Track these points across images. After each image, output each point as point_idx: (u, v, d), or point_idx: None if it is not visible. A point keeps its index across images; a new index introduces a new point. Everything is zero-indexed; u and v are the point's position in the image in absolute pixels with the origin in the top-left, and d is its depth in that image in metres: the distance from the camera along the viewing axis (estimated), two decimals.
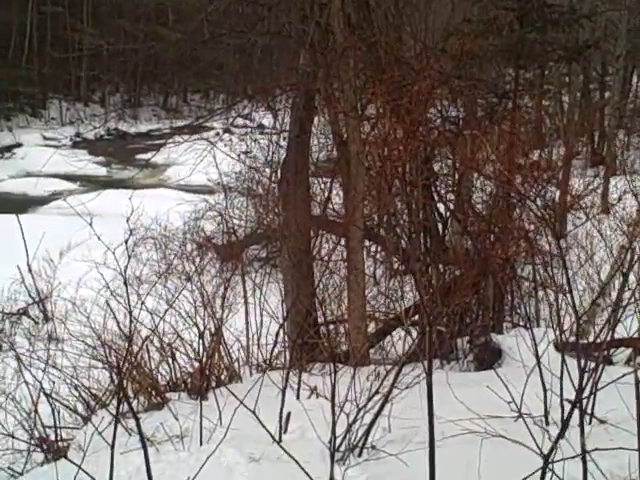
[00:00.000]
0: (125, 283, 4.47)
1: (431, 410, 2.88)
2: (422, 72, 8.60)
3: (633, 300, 7.12)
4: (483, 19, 10.56)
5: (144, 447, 3.48)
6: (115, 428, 3.73)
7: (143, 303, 8.18)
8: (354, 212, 8.51)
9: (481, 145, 8.49)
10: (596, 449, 3.99)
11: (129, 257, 4.82)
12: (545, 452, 4.25)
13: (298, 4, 8.88)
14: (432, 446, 2.88)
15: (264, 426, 5.13)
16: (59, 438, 7.32)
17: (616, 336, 6.76)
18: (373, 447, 5.17)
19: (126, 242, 4.83)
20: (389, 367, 6.55)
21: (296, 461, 4.09)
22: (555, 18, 10.39)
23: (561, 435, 4.15)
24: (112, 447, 3.41)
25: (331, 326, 10.65)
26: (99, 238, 5.75)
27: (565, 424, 4.40)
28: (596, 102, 29.13)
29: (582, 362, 4.58)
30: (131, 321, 4.87)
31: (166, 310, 7.70)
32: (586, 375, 4.78)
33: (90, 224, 4.84)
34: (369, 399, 5.13)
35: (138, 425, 3.44)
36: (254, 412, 4.79)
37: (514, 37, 9.71)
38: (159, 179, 29.48)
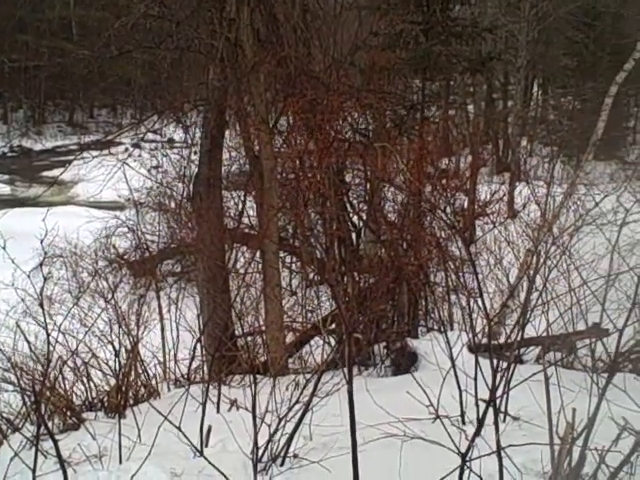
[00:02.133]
0: (41, 305, 4.39)
1: (353, 416, 2.94)
2: (332, 86, 8.72)
3: (540, 301, 7.42)
4: (390, 32, 10.79)
5: (63, 469, 3.41)
6: (36, 452, 3.64)
7: (56, 323, 8.03)
8: (268, 225, 8.56)
9: (391, 156, 8.66)
10: (510, 445, 4.13)
11: (45, 278, 4.74)
12: (463, 451, 4.39)
13: (207, 19, 8.89)
14: (355, 451, 2.93)
15: (187, 437, 5.11)
16: None
17: (525, 336, 7.03)
18: (295, 456, 5.21)
19: (41, 264, 4.76)
20: (308, 376, 6.62)
21: (221, 472, 4.09)
22: (458, 31, 10.72)
23: (477, 433, 4.28)
24: (34, 471, 3.33)
25: (249, 338, 10.65)
26: (13, 261, 5.64)
27: (481, 423, 4.54)
28: (500, 111, 30.09)
29: (494, 362, 4.73)
30: (48, 342, 4.75)
31: (85, 331, 7.56)
32: (499, 375, 4.96)
33: (4, 247, 4.75)
34: (289, 409, 5.17)
35: (56, 447, 3.38)
36: (178, 427, 4.74)
37: (420, 50, 9.97)
38: (67, 196, 28.76)
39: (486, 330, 7.91)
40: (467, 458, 3.94)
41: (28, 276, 4.86)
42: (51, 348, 7.92)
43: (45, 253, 5.19)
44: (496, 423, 4.32)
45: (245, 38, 8.40)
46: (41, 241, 5.06)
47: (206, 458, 4.54)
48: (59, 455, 3.40)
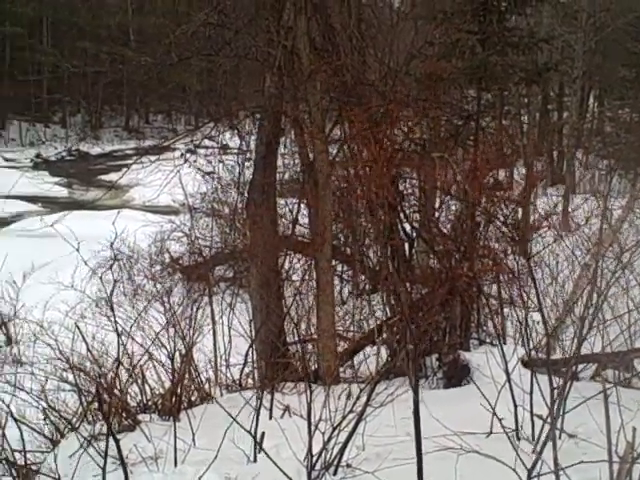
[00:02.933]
0: (112, 307, 4.47)
1: (418, 426, 2.93)
2: (388, 95, 8.73)
3: (597, 317, 7.30)
4: (445, 42, 10.76)
5: (124, 468, 3.47)
6: (106, 450, 3.69)
7: (117, 323, 8.19)
8: (323, 233, 8.59)
9: (447, 166, 8.62)
10: (571, 465, 4.07)
11: (114, 281, 4.83)
12: (517, 467, 4.35)
13: (264, 28, 8.98)
14: (420, 462, 2.92)
15: (239, 446, 5.15)
16: (28, 462, 7.21)
17: (582, 352, 6.92)
18: (348, 465, 5.21)
19: (111, 267, 4.85)
20: (360, 385, 6.62)
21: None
22: (515, 41, 10.63)
23: (536, 450, 4.23)
24: (104, 470, 3.38)
25: (299, 346, 10.69)
26: (86, 263, 5.77)
27: (539, 439, 4.49)
28: (555, 122, 29.71)
29: (553, 379, 4.68)
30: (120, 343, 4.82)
31: (140, 333, 7.67)
32: (555, 391, 4.90)
33: (77, 249, 4.86)
34: (344, 417, 5.17)
35: (118, 447, 3.43)
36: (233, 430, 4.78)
37: (476, 60, 9.91)
38: (122, 200, 29.29)
39: (540, 344, 7.84)
40: (532, 475, 3.88)
41: (100, 278, 4.93)
42: (108, 349, 8.16)
43: (115, 257, 5.27)
44: (554, 440, 4.26)
45: (302, 46, 8.46)
46: (111, 244, 5.15)
47: (268, 457, 4.53)
48: (120, 455, 3.46)
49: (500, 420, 5.22)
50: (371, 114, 8.66)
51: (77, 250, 5.14)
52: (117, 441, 3.73)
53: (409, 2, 15.20)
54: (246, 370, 9.62)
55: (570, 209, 19.05)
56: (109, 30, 45.70)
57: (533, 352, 7.88)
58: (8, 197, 28.25)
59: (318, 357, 9.28)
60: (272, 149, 9.47)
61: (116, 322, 8.28)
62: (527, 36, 11.02)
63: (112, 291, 4.88)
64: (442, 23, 11.93)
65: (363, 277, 14.55)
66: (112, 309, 4.85)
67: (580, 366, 8.33)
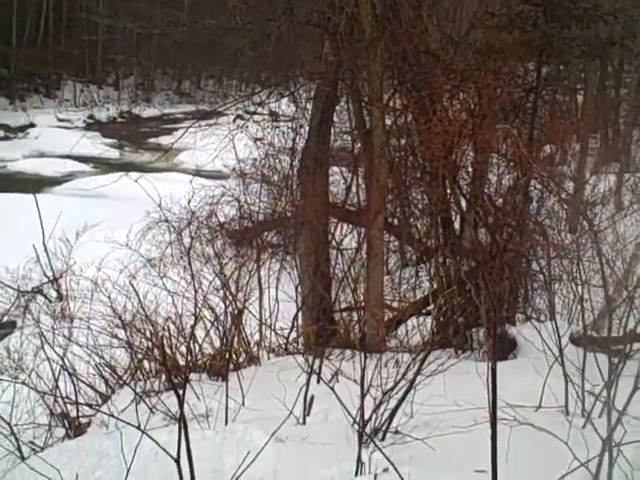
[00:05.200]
0: (190, 264, 4.47)
1: (494, 394, 2.93)
2: (448, 64, 8.63)
3: None
4: (508, 13, 10.54)
5: (184, 422, 3.55)
6: (181, 406, 3.76)
7: (165, 285, 8.32)
8: (378, 202, 8.58)
9: (507, 137, 8.52)
10: (626, 443, 4.05)
11: (169, 243, 4.87)
12: (568, 441, 4.35)
13: None
14: (494, 430, 2.93)
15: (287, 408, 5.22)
16: (80, 415, 7.41)
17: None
18: (397, 432, 5.26)
19: (171, 229, 4.87)
20: (406, 355, 6.64)
21: None
22: (580, 14, 10.36)
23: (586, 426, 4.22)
24: (181, 421, 3.41)
25: (345, 313, 10.75)
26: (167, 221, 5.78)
27: (589, 415, 4.47)
28: (612, 99, 29.03)
29: (610, 356, 4.65)
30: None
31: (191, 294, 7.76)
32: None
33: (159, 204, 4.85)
34: (396, 384, 5.20)
35: (179, 400, 3.51)
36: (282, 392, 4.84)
37: (538, 32, 9.69)
38: (172, 163, 29.52)
39: (595, 322, 7.76)
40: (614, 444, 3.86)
41: (179, 235, 4.97)
42: (158, 309, 8.31)
43: (166, 219, 5.32)
44: (609, 416, 4.24)
45: (364, 13, 8.39)
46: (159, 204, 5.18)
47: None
48: (182, 409, 3.54)
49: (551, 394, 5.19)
50: (429, 82, 8.58)
51: (159, 206, 5.14)
52: (179, 396, 3.80)
53: None
54: (293, 335, 9.73)
55: (624, 188, 18.69)
56: None
57: (581, 330, 7.81)
58: (61, 156, 28.78)
59: (365, 325, 9.32)
60: (328, 117, 9.47)
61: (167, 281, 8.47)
62: (592, 9, 10.71)
63: (189, 250, 4.90)
64: None
65: (410, 248, 14.52)
66: (191, 266, 4.87)
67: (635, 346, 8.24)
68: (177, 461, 3.16)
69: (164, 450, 3.31)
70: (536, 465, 4.29)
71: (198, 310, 8.05)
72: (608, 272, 10.16)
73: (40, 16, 45.59)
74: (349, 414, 4.83)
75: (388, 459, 3.68)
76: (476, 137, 8.38)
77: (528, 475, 4.05)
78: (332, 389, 4.88)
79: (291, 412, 5.24)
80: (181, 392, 6.62)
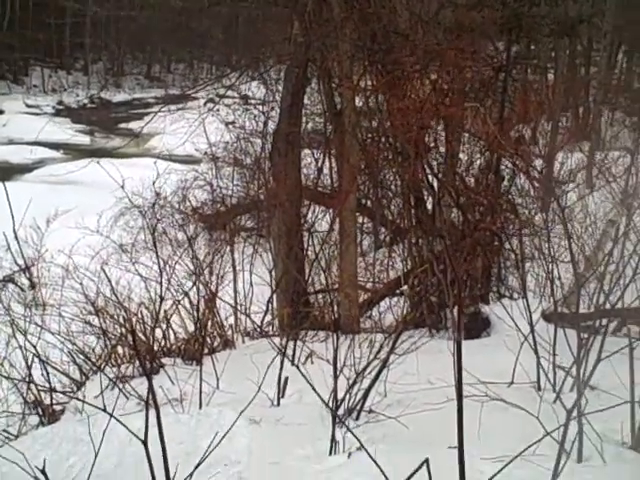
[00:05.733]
0: (155, 248, 4.43)
1: (460, 372, 2.95)
2: (417, 44, 8.61)
3: (617, 273, 7.28)
4: None
5: (156, 406, 3.53)
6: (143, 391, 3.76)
7: (137, 270, 8.27)
8: (349, 183, 8.57)
9: (476, 116, 8.54)
10: (592, 412, 4.11)
11: (139, 228, 4.83)
12: (539, 416, 4.40)
13: None
14: (460, 405, 2.95)
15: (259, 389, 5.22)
16: (54, 402, 7.37)
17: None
18: (371, 411, 5.29)
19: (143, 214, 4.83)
20: (379, 335, 6.67)
21: None
22: None
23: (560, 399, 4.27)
24: (148, 402, 3.38)
25: (319, 295, 10.77)
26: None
27: (560, 390, 4.53)
28: (582, 77, 29.21)
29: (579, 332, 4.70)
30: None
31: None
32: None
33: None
34: (368, 364, 5.23)
35: (150, 385, 3.49)
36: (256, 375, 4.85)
37: (507, 10, 9.70)
38: (143, 148, 29.26)
39: (564, 299, 7.84)
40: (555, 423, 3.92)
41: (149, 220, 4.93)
42: (131, 295, 8.25)
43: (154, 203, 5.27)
44: (579, 389, 4.30)
45: None
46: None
47: None
48: (153, 393, 3.52)
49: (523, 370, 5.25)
50: (400, 63, 8.57)
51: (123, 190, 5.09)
52: (150, 380, 3.79)
53: None
54: (267, 318, 9.72)
55: (594, 166, 18.86)
56: None
57: (553, 307, 7.90)
58: (30, 143, 28.41)
59: (339, 306, 9.34)
60: (298, 98, 9.42)
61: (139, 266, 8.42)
62: None
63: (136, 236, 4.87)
64: None
65: (383, 229, 14.56)
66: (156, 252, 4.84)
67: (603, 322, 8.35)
68: (144, 443, 3.14)
69: (132, 433, 3.30)
70: (508, 440, 4.33)
71: (171, 295, 8.04)
72: (578, 249, 10.31)
73: (5, 1, 44.82)
74: (319, 396, 4.84)
75: (358, 440, 3.71)
76: (446, 116, 8.38)
77: (499, 450, 4.08)
78: (300, 370, 4.89)
79: (261, 391, 5.24)
80: (152, 376, 6.65)
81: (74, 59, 51.38)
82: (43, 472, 3.10)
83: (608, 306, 7.38)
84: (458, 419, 2.79)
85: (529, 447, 3.40)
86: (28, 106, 40.89)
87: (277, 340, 6.94)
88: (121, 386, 6.61)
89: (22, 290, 14.60)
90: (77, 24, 45.91)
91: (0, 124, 35.88)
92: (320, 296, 10.73)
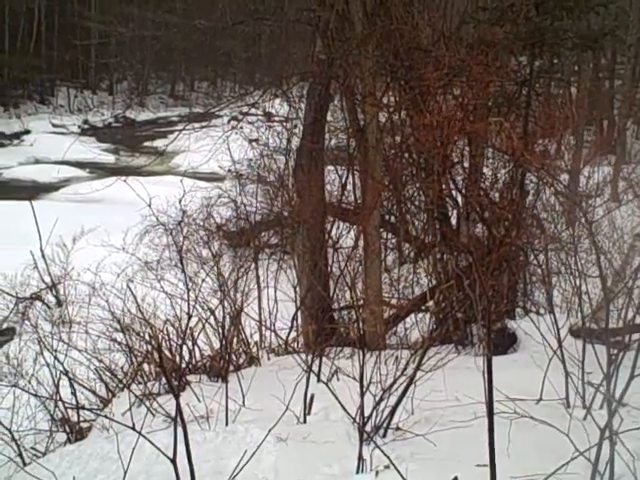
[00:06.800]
0: (181, 264, 4.47)
1: (490, 387, 2.93)
2: (440, 60, 8.61)
3: None
4: (499, 7, 10.53)
5: (183, 424, 3.55)
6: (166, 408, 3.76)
7: (163, 288, 8.30)
8: (373, 199, 8.57)
9: (500, 131, 8.51)
10: (625, 431, 4.04)
11: (166, 245, 4.86)
12: (569, 433, 4.34)
13: None
14: (491, 423, 2.93)
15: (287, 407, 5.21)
16: (81, 419, 7.41)
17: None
18: (398, 428, 5.25)
19: (170, 232, 4.85)
20: (405, 351, 6.63)
21: None
22: (570, 6, 10.35)
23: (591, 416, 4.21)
24: (176, 420, 3.39)
25: (344, 312, 10.74)
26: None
27: (590, 406, 4.47)
28: (606, 91, 29.04)
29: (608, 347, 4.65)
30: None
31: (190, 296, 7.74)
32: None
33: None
34: (395, 380, 5.20)
35: (177, 403, 3.50)
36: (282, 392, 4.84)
37: (530, 25, 9.68)
38: (168, 166, 29.50)
39: (591, 314, 7.75)
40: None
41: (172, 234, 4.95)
42: (156, 312, 8.29)
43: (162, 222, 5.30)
44: (609, 407, 4.24)
45: (354, 10, 8.39)
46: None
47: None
48: (180, 411, 3.53)
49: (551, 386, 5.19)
50: (423, 79, 8.57)
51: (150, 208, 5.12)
52: (177, 397, 3.80)
53: None
54: (292, 335, 9.71)
55: (620, 180, 18.71)
56: None
57: (580, 322, 7.82)
58: (57, 162, 28.75)
59: (365, 323, 9.31)
60: (321, 115, 9.45)
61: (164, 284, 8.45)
62: (584, 0, 10.70)
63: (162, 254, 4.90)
64: None
65: (408, 245, 14.51)
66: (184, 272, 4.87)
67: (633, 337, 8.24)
68: (173, 461, 3.15)
69: (160, 451, 3.31)
70: (537, 458, 4.28)
71: (197, 312, 8.06)
72: (606, 263, 10.20)
73: (32, 23, 45.51)
74: (347, 413, 4.81)
75: (388, 457, 3.68)
76: (470, 131, 8.36)
77: (530, 468, 4.04)
78: (328, 386, 4.87)
79: (287, 409, 5.22)
80: (182, 394, 6.67)
81: (99, 79, 51.98)
82: None
83: (638, 321, 7.32)
84: (489, 437, 2.75)
85: (562, 467, 3.34)
86: (54, 126, 41.43)
87: (302, 357, 6.92)
88: (148, 403, 6.62)
89: (49, 308, 14.74)
90: (102, 45, 46.40)
91: (27, 144, 36.38)
92: (345, 312, 10.71)
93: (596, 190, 15.35)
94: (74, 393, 7.46)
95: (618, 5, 23.42)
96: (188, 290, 7.75)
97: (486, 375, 2.90)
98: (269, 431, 4.13)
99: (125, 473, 3.69)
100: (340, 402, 4.87)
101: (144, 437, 3.71)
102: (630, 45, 22.21)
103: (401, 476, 3.17)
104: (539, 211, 10.78)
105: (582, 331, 6.37)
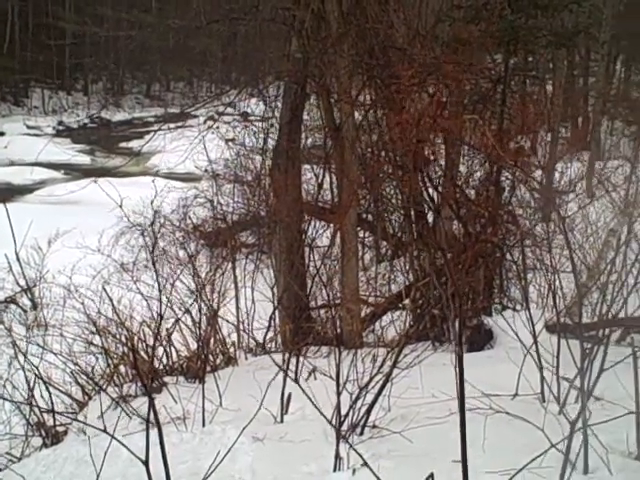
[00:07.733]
0: (154, 266, 4.45)
1: (462, 385, 2.94)
2: (415, 58, 8.63)
3: (620, 283, 7.27)
4: (474, 5, 10.57)
5: (158, 425, 3.52)
6: (147, 410, 3.73)
7: (139, 289, 8.25)
8: (349, 198, 8.57)
9: (475, 128, 8.54)
10: (597, 423, 4.08)
11: (141, 246, 4.83)
12: (544, 428, 4.37)
13: None
14: (463, 420, 2.94)
15: (264, 407, 5.19)
16: (57, 423, 7.34)
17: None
18: (375, 426, 5.25)
19: (142, 233, 4.83)
20: (382, 349, 6.64)
21: None
22: (544, 3, 10.41)
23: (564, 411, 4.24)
24: (149, 422, 3.37)
25: (322, 311, 10.73)
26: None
27: (565, 401, 4.50)
28: (580, 88, 29.30)
29: (582, 342, 4.68)
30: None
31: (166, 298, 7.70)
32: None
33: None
34: (371, 379, 5.20)
35: (152, 405, 3.47)
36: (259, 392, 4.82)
37: (505, 23, 9.72)
38: (144, 167, 29.33)
39: (566, 309, 7.81)
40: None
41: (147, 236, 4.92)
42: (133, 314, 8.24)
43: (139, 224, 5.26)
44: (583, 401, 4.26)
45: (330, 9, 8.38)
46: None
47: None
48: (155, 413, 3.50)
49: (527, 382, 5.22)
50: (398, 77, 8.58)
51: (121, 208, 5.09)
52: (151, 400, 3.76)
53: None
54: (270, 335, 9.69)
55: (595, 176, 18.87)
56: None
57: (555, 318, 7.87)
58: (31, 164, 28.48)
59: (342, 321, 9.31)
60: (297, 114, 9.43)
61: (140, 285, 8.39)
62: None
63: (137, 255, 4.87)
64: None
65: (385, 243, 14.55)
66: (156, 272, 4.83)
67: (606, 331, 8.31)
68: (145, 463, 3.12)
69: (132, 453, 3.28)
70: (513, 453, 4.30)
71: (173, 313, 8.01)
72: (579, 259, 10.28)
73: (5, 23, 45.06)
74: (321, 413, 4.81)
75: (361, 456, 3.68)
76: (445, 129, 8.39)
77: (505, 463, 4.05)
78: (300, 386, 4.86)
79: (264, 408, 5.21)
80: (154, 395, 6.62)
81: (74, 80, 51.58)
82: None
83: (611, 316, 7.39)
84: (461, 432, 2.76)
85: (534, 459, 3.36)
86: (29, 127, 41.06)
87: (279, 356, 6.91)
88: (124, 406, 6.58)
89: (24, 311, 14.58)
90: (77, 45, 46.15)
91: (1, 146, 35.99)
92: (322, 311, 10.70)
93: (569, 186, 15.49)
94: (49, 397, 7.39)
95: (592, 3, 23.52)
96: (160, 291, 7.72)
97: (457, 371, 2.88)
98: (242, 430, 4.11)
99: (98, 476, 3.64)
100: (314, 402, 4.87)
101: (117, 440, 3.68)
102: (604, 42, 22.39)
103: (375, 475, 3.17)
104: (514, 207, 10.84)
105: (556, 326, 6.41)
